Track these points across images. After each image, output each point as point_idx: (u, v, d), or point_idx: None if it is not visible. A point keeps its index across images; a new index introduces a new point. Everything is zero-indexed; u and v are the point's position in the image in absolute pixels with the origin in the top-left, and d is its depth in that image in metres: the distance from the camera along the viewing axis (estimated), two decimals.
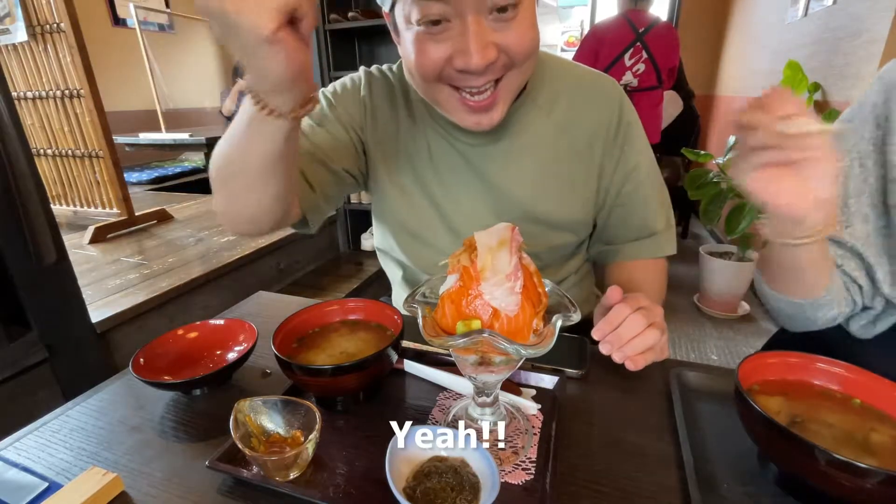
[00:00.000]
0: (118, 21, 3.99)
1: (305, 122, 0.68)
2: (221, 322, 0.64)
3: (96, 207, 2.04)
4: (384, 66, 0.76)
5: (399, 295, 0.88)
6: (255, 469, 0.43)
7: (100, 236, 1.93)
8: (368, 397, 0.54)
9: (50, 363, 1.17)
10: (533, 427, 0.49)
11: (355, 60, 2.46)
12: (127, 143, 2.89)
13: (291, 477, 0.43)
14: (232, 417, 0.43)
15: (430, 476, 0.40)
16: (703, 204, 2.15)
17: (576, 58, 2.50)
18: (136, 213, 2.08)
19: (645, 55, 2.37)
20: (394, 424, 0.42)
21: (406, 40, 0.56)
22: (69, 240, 1.81)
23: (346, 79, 0.75)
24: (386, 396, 0.55)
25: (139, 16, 3.23)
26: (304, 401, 0.45)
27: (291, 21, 0.37)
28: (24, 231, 1.08)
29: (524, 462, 0.45)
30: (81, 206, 2.07)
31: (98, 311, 1.33)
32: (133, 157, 3.73)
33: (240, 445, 0.41)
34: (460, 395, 0.54)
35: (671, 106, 2.72)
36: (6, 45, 1.87)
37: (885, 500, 0.34)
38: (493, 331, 0.38)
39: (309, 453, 0.43)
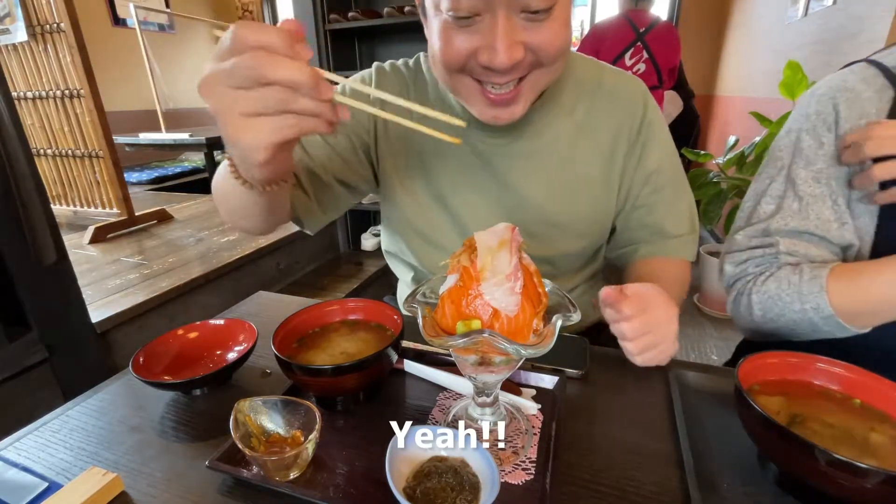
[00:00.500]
0: (118, 21, 3.99)
1: None
2: (221, 322, 0.64)
3: (96, 207, 2.04)
4: (399, 62, 0.74)
5: (406, 294, 0.87)
6: (255, 469, 0.43)
7: (100, 236, 1.93)
8: (368, 397, 0.54)
9: (50, 363, 1.17)
10: (533, 427, 0.49)
11: (355, 60, 2.46)
12: (127, 143, 2.89)
13: (291, 477, 0.43)
14: (232, 417, 0.43)
15: (430, 476, 0.40)
16: (703, 204, 2.15)
17: None
18: (136, 213, 2.08)
19: (645, 55, 2.37)
20: (394, 424, 0.42)
21: (433, 27, 0.55)
22: (69, 240, 1.81)
23: (357, 76, 0.74)
24: (386, 396, 0.55)
25: (139, 16, 3.23)
26: (304, 401, 0.45)
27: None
28: (24, 231, 1.08)
29: (524, 462, 0.45)
30: (81, 206, 2.08)
31: (98, 311, 1.33)
32: (133, 157, 3.73)
33: (240, 445, 0.41)
34: (460, 395, 0.54)
35: (671, 106, 2.72)
36: (6, 45, 1.88)
37: (885, 500, 0.34)
38: (493, 331, 0.38)
39: (309, 453, 0.43)
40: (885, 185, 0.56)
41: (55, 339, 1.17)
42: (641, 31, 2.36)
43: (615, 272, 0.87)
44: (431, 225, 0.72)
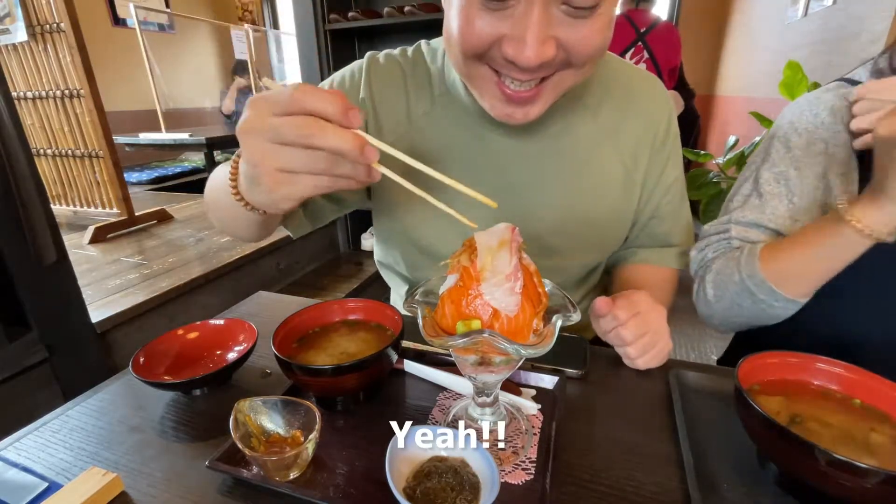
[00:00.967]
0: (118, 21, 3.99)
1: None
2: (221, 322, 0.64)
3: (96, 207, 2.04)
4: (395, 51, 0.67)
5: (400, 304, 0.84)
6: (255, 469, 0.43)
7: (100, 236, 1.93)
8: (368, 397, 0.54)
9: (50, 363, 1.17)
10: (533, 427, 0.49)
11: (355, 60, 2.45)
12: (127, 143, 2.89)
13: (291, 477, 0.43)
14: (232, 417, 0.43)
15: (430, 476, 0.40)
16: (702, 204, 2.15)
17: None
18: (136, 213, 2.08)
19: (646, 55, 2.37)
20: (394, 424, 0.42)
21: (454, 4, 0.48)
22: (69, 240, 1.81)
23: (345, 72, 0.67)
24: (386, 396, 0.55)
25: (139, 16, 3.23)
26: (304, 401, 0.45)
27: None
28: (24, 231, 1.08)
29: (524, 462, 0.45)
30: (81, 206, 2.07)
31: (98, 311, 1.33)
32: (133, 157, 3.73)
33: (240, 445, 0.41)
34: (460, 395, 0.54)
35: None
36: (6, 45, 1.87)
37: (885, 500, 0.34)
38: (493, 331, 0.38)
39: (309, 453, 0.43)
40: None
41: (55, 339, 1.17)
42: (642, 31, 2.36)
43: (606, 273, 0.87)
44: (432, 237, 0.67)
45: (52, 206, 1.17)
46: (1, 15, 1.81)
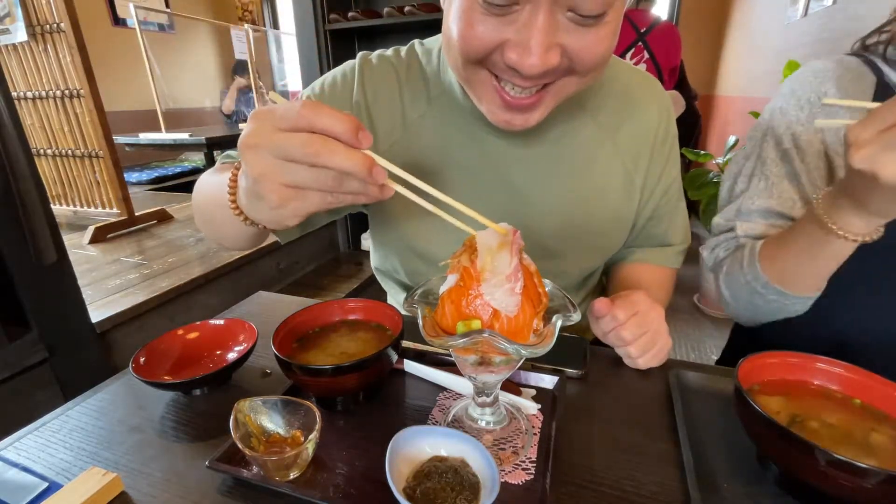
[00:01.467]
0: (118, 21, 3.99)
1: None
2: (221, 322, 0.64)
3: (96, 207, 2.04)
4: (388, 51, 0.65)
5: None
6: (255, 469, 0.43)
7: (100, 236, 1.93)
8: (368, 397, 0.54)
9: (50, 363, 1.17)
10: (533, 427, 0.49)
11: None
12: (127, 143, 2.90)
13: (291, 477, 0.43)
14: (232, 417, 0.43)
15: (430, 476, 0.40)
16: (703, 204, 2.15)
17: None
18: (136, 213, 2.08)
19: (646, 55, 2.37)
20: (394, 425, 0.42)
21: (455, 5, 0.46)
22: (69, 240, 1.81)
23: (337, 74, 0.64)
24: (386, 396, 0.55)
25: (139, 16, 3.23)
26: (304, 401, 0.45)
27: None
28: (24, 231, 1.08)
29: (524, 462, 0.45)
30: (81, 206, 2.08)
31: (98, 311, 1.33)
32: (133, 157, 3.73)
33: (240, 445, 0.41)
34: (460, 395, 0.54)
35: (674, 106, 2.72)
36: (6, 45, 1.87)
37: (885, 500, 0.34)
38: (493, 331, 0.38)
39: (309, 453, 0.43)
40: None
41: (55, 339, 1.17)
42: (642, 31, 2.36)
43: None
44: (431, 244, 0.65)
45: (52, 206, 1.17)
46: (1, 15, 1.81)
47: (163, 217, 2.24)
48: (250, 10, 5.23)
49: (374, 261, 0.80)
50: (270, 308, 0.78)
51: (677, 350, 2.08)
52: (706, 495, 0.40)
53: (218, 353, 0.61)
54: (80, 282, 1.24)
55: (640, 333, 0.57)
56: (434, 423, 0.50)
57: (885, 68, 0.60)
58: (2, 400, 1.10)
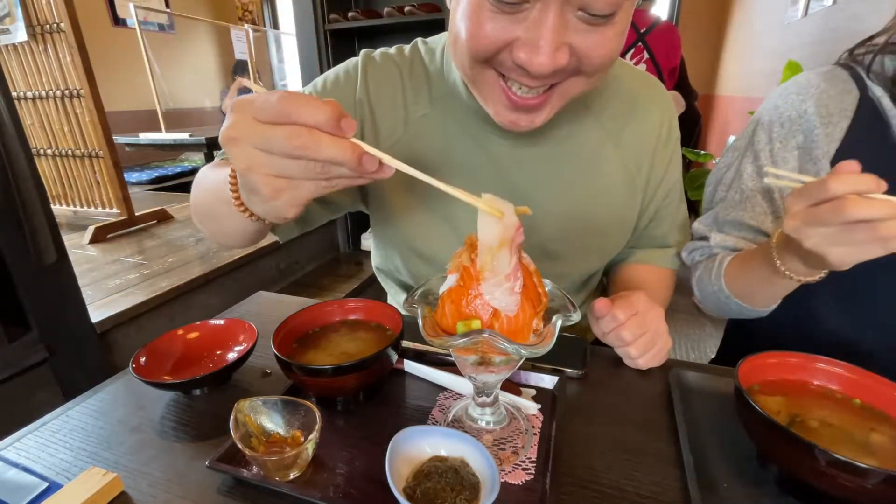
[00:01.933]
0: (118, 21, 4.00)
1: None
2: (221, 322, 0.64)
3: (96, 207, 2.04)
4: (392, 49, 0.65)
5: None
6: (255, 469, 0.43)
7: (100, 236, 1.93)
8: (368, 397, 0.54)
9: (50, 363, 1.17)
10: (533, 427, 0.49)
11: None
12: (127, 143, 2.90)
13: (291, 477, 0.43)
14: (232, 417, 0.43)
15: (430, 476, 0.40)
16: (702, 204, 2.15)
17: None
18: (136, 213, 2.08)
19: (646, 55, 2.37)
20: (394, 425, 0.42)
21: (463, 3, 0.46)
22: (69, 240, 1.81)
23: (340, 71, 0.64)
24: (386, 396, 0.55)
25: (139, 16, 3.23)
26: (304, 401, 0.45)
27: None
28: (24, 231, 1.08)
29: (524, 462, 0.45)
30: (81, 206, 2.08)
31: (98, 311, 1.33)
32: (133, 157, 3.73)
33: (240, 445, 0.41)
34: (460, 395, 0.54)
35: (675, 106, 2.72)
36: (6, 45, 1.88)
37: (885, 500, 0.34)
38: (493, 331, 0.38)
39: (309, 453, 0.43)
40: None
41: (55, 339, 1.17)
42: (642, 31, 2.36)
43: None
44: (433, 244, 0.65)
45: (52, 206, 1.17)
46: (1, 15, 1.81)
47: (163, 217, 2.24)
48: (250, 10, 5.23)
49: (374, 260, 0.80)
50: (270, 308, 0.78)
51: (677, 350, 2.08)
52: (706, 495, 0.40)
53: (218, 353, 0.61)
54: (80, 282, 1.24)
55: (640, 333, 0.57)
56: (434, 423, 0.50)
57: (869, 83, 0.61)
58: (2, 400, 1.10)
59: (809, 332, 0.66)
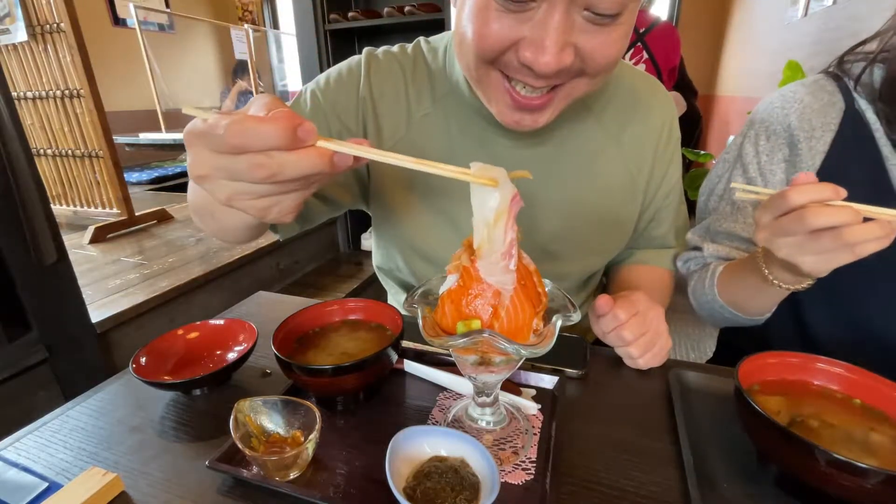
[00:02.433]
0: (118, 21, 3.99)
1: None
2: (221, 322, 0.64)
3: (96, 207, 2.04)
4: (394, 48, 0.65)
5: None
6: (255, 469, 0.43)
7: (100, 236, 1.93)
8: (368, 397, 0.54)
9: (50, 363, 1.17)
10: (533, 427, 0.49)
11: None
12: (127, 143, 2.90)
13: (291, 477, 0.43)
14: (232, 417, 0.43)
15: (430, 476, 0.40)
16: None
17: None
18: (136, 213, 2.08)
19: (645, 55, 2.37)
20: (394, 425, 0.42)
21: (468, 5, 0.46)
22: (69, 240, 1.81)
23: (343, 68, 0.64)
24: (386, 396, 0.55)
25: (139, 16, 3.23)
26: (304, 401, 0.45)
27: None
28: (24, 231, 1.08)
29: (524, 462, 0.45)
30: (81, 206, 2.07)
31: (98, 311, 1.33)
32: (133, 157, 3.73)
33: (240, 445, 0.41)
34: (460, 395, 0.54)
35: (675, 106, 2.72)
36: (6, 45, 1.87)
37: (885, 500, 0.34)
38: (493, 331, 0.38)
39: (309, 453, 0.43)
40: None
41: (55, 339, 1.17)
42: (641, 31, 2.35)
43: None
44: (434, 243, 0.65)
45: (52, 206, 1.17)
46: (1, 15, 1.81)
47: (163, 217, 2.24)
48: (250, 10, 5.23)
49: (375, 259, 0.80)
50: (270, 308, 0.78)
51: (677, 350, 2.08)
52: (706, 495, 0.40)
53: (218, 353, 0.61)
54: (80, 282, 1.24)
55: (640, 333, 0.57)
56: (434, 423, 0.50)
57: (856, 95, 0.60)
58: (2, 400, 1.10)
59: (801, 333, 0.67)
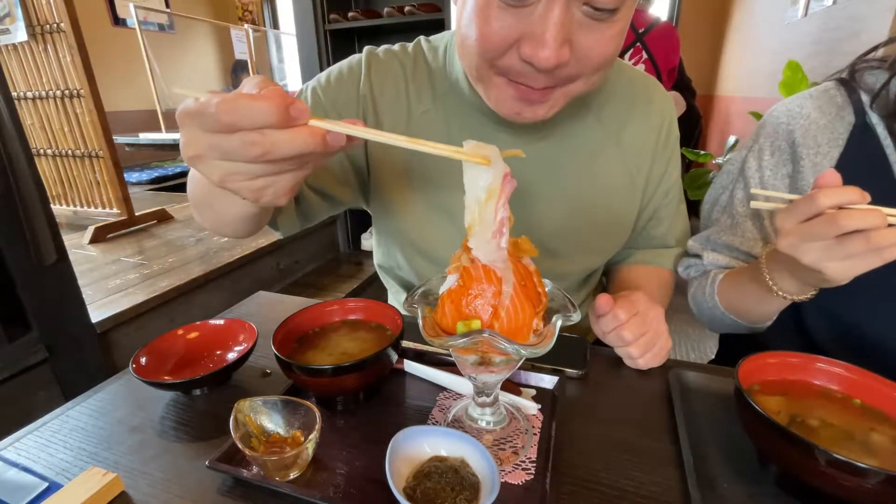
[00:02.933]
0: (118, 21, 3.99)
1: None
2: (221, 322, 0.64)
3: (96, 207, 2.04)
4: (395, 46, 0.65)
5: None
6: (255, 469, 0.43)
7: (100, 236, 1.93)
8: (368, 397, 0.54)
9: (50, 363, 1.17)
10: (533, 427, 0.49)
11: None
12: (127, 143, 2.90)
13: (291, 477, 0.43)
14: (232, 417, 0.43)
15: (430, 476, 0.40)
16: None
17: None
18: (136, 213, 2.08)
19: (645, 55, 2.37)
20: (394, 425, 0.42)
21: (470, 5, 0.47)
22: (69, 240, 1.81)
23: (344, 66, 0.64)
24: (386, 396, 0.55)
25: (139, 16, 3.23)
26: (304, 401, 0.45)
27: None
28: (24, 231, 1.08)
29: (524, 462, 0.45)
30: (81, 206, 2.07)
31: (98, 311, 1.33)
32: (133, 157, 3.73)
33: (240, 445, 0.41)
34: (460, 395, 0.54)
35: (675, 107, 2.72)
36: (6, 45, 1.87)
37: (885, 500, 0.34)
38: (493, 331, 0.38)
39: (309, 453, 0.43)
40: None
41: (55, 339, 1.17)
42: (640, 31, 2.35)
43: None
44: (433, 241, 0.65)
45: (52, 206, 1.17)
46: (1, 15, 1.81)
47: (163, 217, 2.24)
48: (250, 10, 5.23)
49: (376, 258, 0.80)
50: (270, 308, 0.78)
51: (677, 350, 2.08)
52: (706, 495, 0.40)
53: (218, 353, 0.61)
54: (80, 282, 1.24)
55: (640, 333, 0.57)
56: (434, 423, 0.50)
57: (868, 111, 0.58)
58: (2, 400, 1.10)
59: (801, 333, 0.66)
